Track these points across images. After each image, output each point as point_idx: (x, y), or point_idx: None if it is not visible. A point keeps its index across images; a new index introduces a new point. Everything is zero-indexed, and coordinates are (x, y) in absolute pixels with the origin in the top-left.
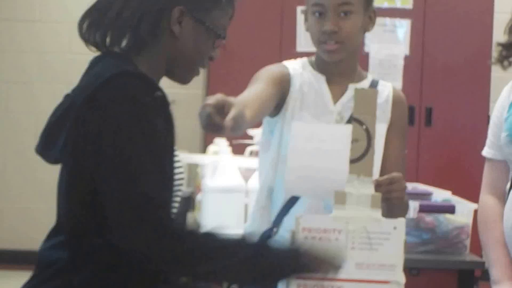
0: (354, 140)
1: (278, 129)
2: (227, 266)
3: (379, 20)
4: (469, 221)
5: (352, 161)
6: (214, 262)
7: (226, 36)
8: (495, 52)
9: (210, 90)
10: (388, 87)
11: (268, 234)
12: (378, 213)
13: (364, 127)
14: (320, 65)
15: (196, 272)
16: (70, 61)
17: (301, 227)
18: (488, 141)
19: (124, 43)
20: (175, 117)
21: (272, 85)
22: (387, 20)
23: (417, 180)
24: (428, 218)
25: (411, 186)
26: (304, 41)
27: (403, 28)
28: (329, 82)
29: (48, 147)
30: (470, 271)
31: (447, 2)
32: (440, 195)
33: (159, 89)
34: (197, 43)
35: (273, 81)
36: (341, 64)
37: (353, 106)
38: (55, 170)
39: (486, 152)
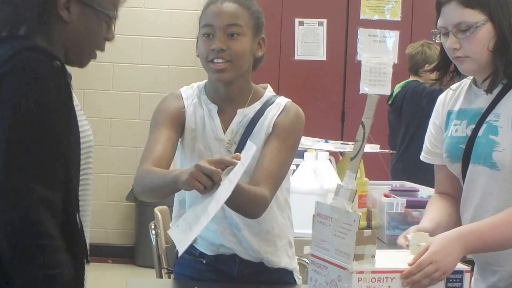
0: (357, 141)
1: (178, 154)
2: None
3: (370, 31)
4: None
5: (351, 158)
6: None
7: (116, 16)
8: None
9: None
10: (282, 104)
11: None
12: (349, 206)
13: (364, 130)
14: (211, 93)
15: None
16: None
17: (317, 212)
18: (424, 147)
19: (17, 33)
20: None
21: (171, 128)
22: (377, 31)
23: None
24: (415, 212)
25: (399, 184)
26: (301, 50)
27: (392, 38)
28: (220, 111)
29: None
30: None
31: (433, 15)
32: (426, 192)
33: (58, 59)
34: (88, 27)
35: (171, 123)
36: (231, 88)
37: (365, 110)
38: None
39: (423, 157)
